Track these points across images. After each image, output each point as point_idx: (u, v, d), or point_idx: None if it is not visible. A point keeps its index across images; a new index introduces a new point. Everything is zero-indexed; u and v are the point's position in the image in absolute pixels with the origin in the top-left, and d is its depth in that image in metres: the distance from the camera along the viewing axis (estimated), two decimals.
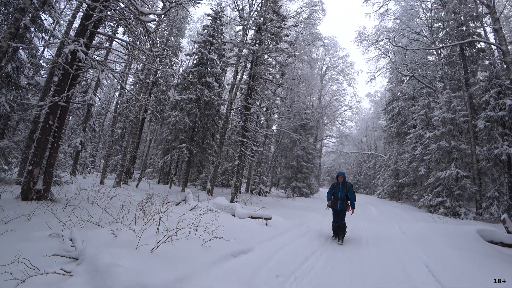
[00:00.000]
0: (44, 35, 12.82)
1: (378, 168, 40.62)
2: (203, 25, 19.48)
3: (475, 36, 17.52)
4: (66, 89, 7.91)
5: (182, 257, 4.09)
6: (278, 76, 17.80)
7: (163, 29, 20.28)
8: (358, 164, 49.30)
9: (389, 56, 24.50)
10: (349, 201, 7.11)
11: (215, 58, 18.13)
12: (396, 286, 4.17)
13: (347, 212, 7.14)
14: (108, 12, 9.23)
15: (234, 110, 18.64)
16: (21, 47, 10.80)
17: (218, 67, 18.42)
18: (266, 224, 7.60)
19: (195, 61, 19.15)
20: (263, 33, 15.12)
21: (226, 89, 22.69)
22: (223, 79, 22.09)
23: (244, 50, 16.69)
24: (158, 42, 17.78)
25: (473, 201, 16.34)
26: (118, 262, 3.44)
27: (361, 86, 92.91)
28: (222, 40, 18.69)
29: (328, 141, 39.44)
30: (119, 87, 16.57)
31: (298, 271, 4.58)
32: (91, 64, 7.86)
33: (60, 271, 3.31)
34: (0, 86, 10.20)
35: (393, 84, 30.16)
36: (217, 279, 3.86)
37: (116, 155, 21.88)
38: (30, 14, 10.90)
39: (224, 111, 18.52)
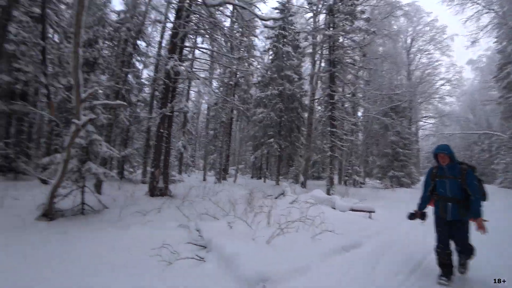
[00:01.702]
0: (142, 57, 15.11)
1: (495, 150, 33.44)
2: (273, 19, 19.54)
3: None
4: (169, 100, 9.09)
5: (295, 249, 4.19)
6: (358, 58, 16.55)
7: (235, 31, 21.23)
8: (467, 147, 41.56)
9: (493, 10, 19.46)
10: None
11: (290, 50, 18.03)
12: None
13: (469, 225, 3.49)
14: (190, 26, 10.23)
15: (317, 100, 18.21)
16: (129, 72, 12.92)
17: (294, 58, 18.29)
18: (370, 217, 7.18)
19: (271, 57, 19.44)
20: (335, 15, 14.25)
21: (306, 80, 22.31)
22: (301, 70, 21.79)
23: (318, 37, 16.05)
24: (237, 45, 18.76)
25: None
26: (241, 252, 3.75)
27: (459, 53, 77.33)
28: (294, 30, 18.39)
29: (425, 122, 34.48)
30: (207, 91, 18.26)
31: (418, 270, 4.13)
32: (187, 75, 8.81)
33: (196, 256, 3.81)
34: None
35: (504, 43, 23.92)
36: (333, 272, 3.81)
37: (211, 154, 24.22)
38: (131, 43, 12.99)
39: (308, 102, 18.29)
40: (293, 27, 18.63)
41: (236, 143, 30.69)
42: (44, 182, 10.57)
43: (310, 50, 17.42)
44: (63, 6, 13.91)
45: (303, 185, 13.85)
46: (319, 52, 16.13)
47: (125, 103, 9.12)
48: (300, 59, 20.02)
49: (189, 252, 4.01)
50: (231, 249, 3.78)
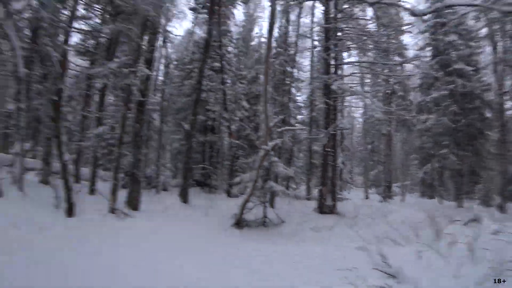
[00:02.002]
0: (296, 83, 16.50)
1: None
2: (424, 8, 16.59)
3: None
4: (332, 119, 9.35)
5: None
6: None
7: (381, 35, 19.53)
8: None
9: None
10: None
11: (455, 39, 14.78)
12: None
13: None
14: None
15: (508, 93, 13.95)
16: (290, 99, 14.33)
17: (462, 47, 14.84)
18: None
19: (430, 53, 16.66)
20: None
21: (486, 70, 17.65)
22: (476, 59, 17.47)
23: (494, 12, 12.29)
24: (387, 49, 17.27)
25: None
26: None
27: None
28: (456, 14, 14.82)
29: None
30: (371, 104, 17.74)
31: None
32: (349, 92, 8.88)
33: (385, 286, 3.65)
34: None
35: None
36: None
37: (370, 170, 22.78)
38: (287, 73, 14.45)
39: (493, 98, 14.39)
40: (453, 10, 15.18)
41: (397, 157, 27.53)
42: (229, 195, 13.34)
43: (486, 31, 13.75)
44: (231, 55, 17.60)
45: (501, 208, 10.51)
46: (500, 31, 12.47)
47: (303, 126, 10.26)
48: (472, 46, 16.08)
49: (376, 279, 3.89)
50: (429, 285, 3.41)
